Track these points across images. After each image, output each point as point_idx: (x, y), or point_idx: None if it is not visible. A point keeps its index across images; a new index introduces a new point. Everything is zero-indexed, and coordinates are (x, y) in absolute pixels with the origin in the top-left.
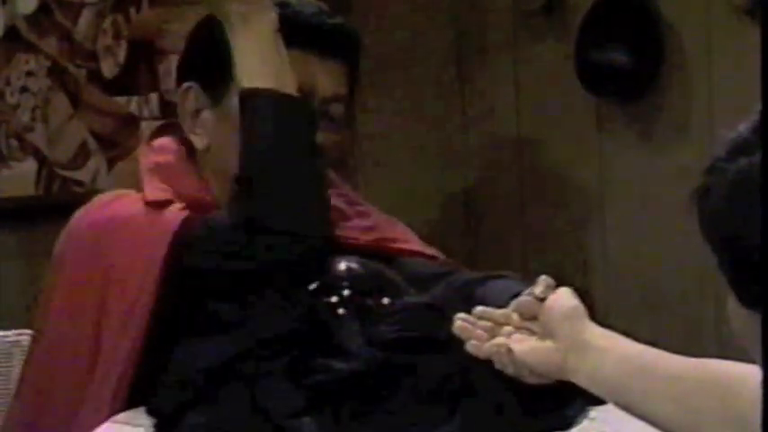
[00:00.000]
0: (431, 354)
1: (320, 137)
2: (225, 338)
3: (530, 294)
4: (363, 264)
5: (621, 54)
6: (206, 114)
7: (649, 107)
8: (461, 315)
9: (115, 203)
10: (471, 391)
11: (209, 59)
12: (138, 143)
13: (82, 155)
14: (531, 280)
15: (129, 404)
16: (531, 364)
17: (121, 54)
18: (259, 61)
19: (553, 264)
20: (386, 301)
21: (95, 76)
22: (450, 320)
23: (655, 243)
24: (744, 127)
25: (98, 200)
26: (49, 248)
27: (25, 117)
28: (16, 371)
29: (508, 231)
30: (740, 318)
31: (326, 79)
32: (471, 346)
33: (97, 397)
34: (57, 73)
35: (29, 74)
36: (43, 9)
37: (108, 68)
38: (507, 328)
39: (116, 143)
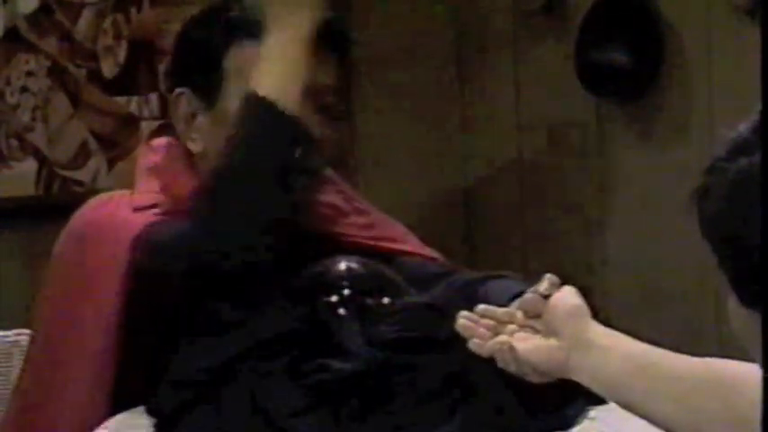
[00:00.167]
0: (431, 354)
1: (316, 131)
2: (225, 338)
3: (534, 292)
4: (364, 263)
5: (621, 54)
6: (200, 119)
7: (649, 107)
8: (464, 313)
9: (104, 205)
10: (471, 391)
11: (199, 64)
12: (138, 143)
13: (82, 155)
14: (531, 280)
15: (124, 406)
16: (533, 362)
17: (121, 54)
18: (273, 66)
19: (553, 264)
20: (386, 300)
21: (95, 76)
22: (450, 320)
23: (655, 243)
24: (744, 127)
25: (94, 200)
26: (48, 248)
27: (25, 117)
28: (16, 371)
29: (508, 231)
30: (740, 318)
31: (314, 72)
32: (474, 344)
33: (74, 400)
34: (57, 73)
35: (29, 74)
36: (43, 9)
37: (108, 68)
38: (510, 327)
39: (116, 143)
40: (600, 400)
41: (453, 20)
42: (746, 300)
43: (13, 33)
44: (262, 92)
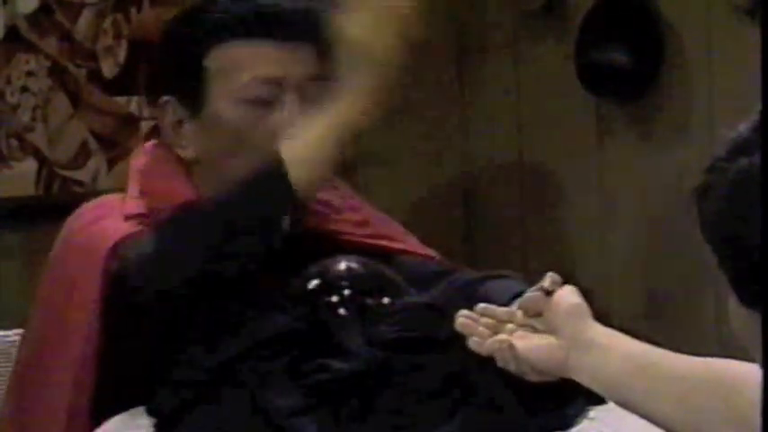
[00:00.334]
0: (431, 354)
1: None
2: (225, 338)
3: (538, 289)
4: (364, 263)
5: (621, 54)
6: (187, 126)
7: (649, 107)
8: (464, 312)
9: (92, 211)
10: (471, 391)
11: (181, 73)
12: (138, 143)
13: (82, 155)
14: (531, 280)
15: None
16: (533, 361)
17: (121, 54)
18: (318, 132)
19: (553, 264)
20: (386, 300)
21: (95, 76)
22: (450, 320)
23: (655, 243)
24: (744, 127)
25: (86, 205)
26: (48, 248)
27: (25, 117)
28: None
29: (508, 231)
30: (740, 318)
31: (295, 64)
32: (473, 343)
33: (55, 404)
34: (57, 73)
35: (29, 74)
36: (43, 9)
37: (108, 68)
38: (509, 326)
39: (116, 143)
40: (600, 400)
41: (453, 20)
42: (746, 300)
43: (13, 33)
44: (287, 155)
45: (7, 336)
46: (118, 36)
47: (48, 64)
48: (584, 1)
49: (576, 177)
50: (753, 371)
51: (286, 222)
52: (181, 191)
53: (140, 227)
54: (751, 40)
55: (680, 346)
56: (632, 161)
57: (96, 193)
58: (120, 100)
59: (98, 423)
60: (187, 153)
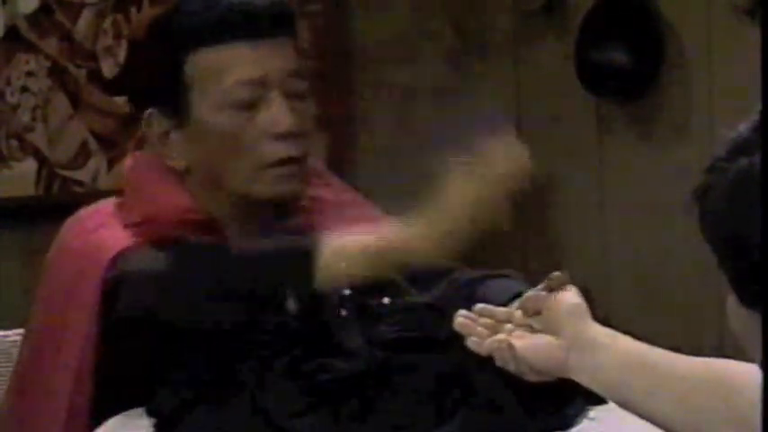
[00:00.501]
0: (431, 354)
1: (289, 120)
2: (225, 339)
3: (543, 288)
4: None
5: (621, 54)
6: (174, 136)
7: (649, 107)
8: (462, 312)
9: (91, 218)
10: (471, 391)
11: (160, 84)
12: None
13: (82, 155)
14: (531, 280)
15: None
16: (531, 361)
17: (121, 54)
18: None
19: (553, 264)
20: (386, 300)
21: (95, 76)
22: (450, 320)
23: (655, 243)
24: (744, 127)
25: (85, 211)
26: (48, 248)
27: (25, 117)
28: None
29: (508, 231)
30: (740, 318)
31: (274, 60)
32: (472, 343)
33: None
34: (57, 73)
35: (29, 74)
36: (43, 9)
37: (108, 68)
38: (508, 326)
39: (116, 143)
40: (600, 400)
41: (453, 20)
42: (746, 300)
43: (13, 33)
44: (332, 244)
45: (7, 336)
46: (118, 36)
47: (48, 64)
48: (584, 1)
49: (576, 177)
50: (752, 371)
51: (291, 303)
52: (176, 199)
53: (139, 237)
54: (751, 40)
55: (680, 346)
56: (632, 161)
57: (96, 193)
58: (120, 100)
59: (98, 423)
60: (178, 163)
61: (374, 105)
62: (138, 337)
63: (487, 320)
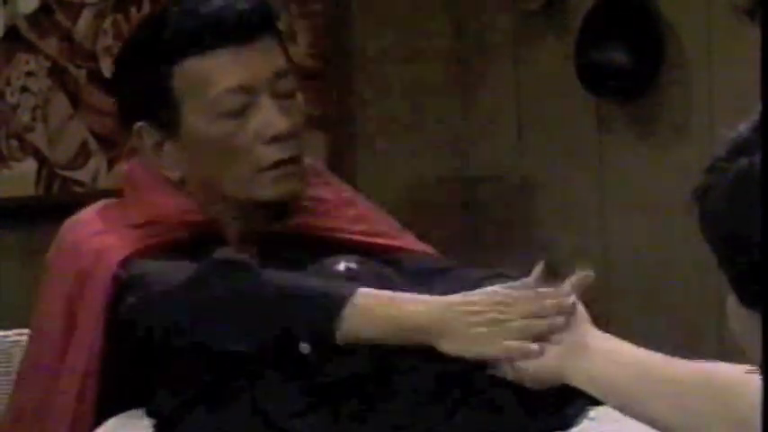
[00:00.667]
0: (431, 354)
1: (281, 122)
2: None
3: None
4: (363, 263)
5: (621, 54)
6: (168, 146)
7: (649, 107)
8: None
9: (95, 221)
10: (471, 391)
11: (148, 98)
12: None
13: (82, 155)
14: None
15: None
16: (531, 371)
17: None
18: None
19: (553, 264)
20: None
21: (95, 76)
22: None
23: (655, 243)
24: (744, 127)
25: (91, 211)
26: (48, 248)
27: (25, 117)
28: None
29: (508, 231)
30: (740, 318)
31: (260, 63)
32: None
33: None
34: (57, 73)
35: (29, 74)
36: (43, 9)
37: (108, 68)
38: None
39: (116, 143)
40: (600, 401)
41: (453, 20)
42: (746, 300)
43: (13, 33)
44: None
45: (7, 336)
46: (118, 36)
47: (48, 64)
48: (584, 1)
49: (576, 177)
50: (751, 375)
51: (304, 346)
52: (176, 201)
53: (142, 239)
54: (751, 40)
55: (680, 346)
56: (632, 161)
57: (96, 193)
58: None
59: (98, 423)
60: (173, 174)
61: (374, 105)
62: (140, 339)
63: None
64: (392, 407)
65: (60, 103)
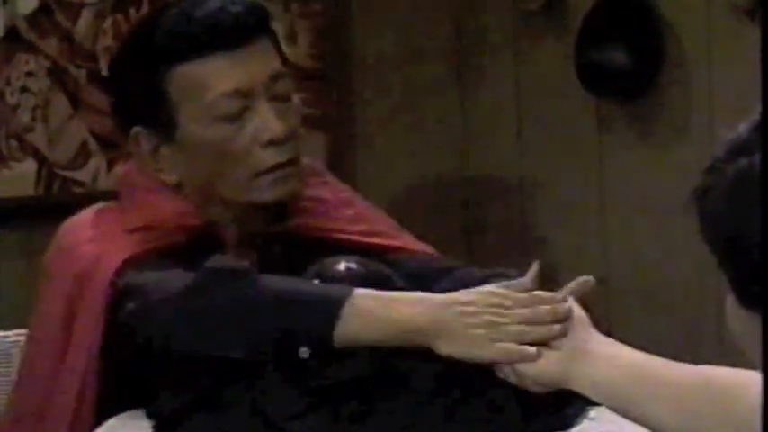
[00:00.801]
0: (430, 354)
1: (278, 126)
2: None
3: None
4: (363, 263)
5: (621, 54)
6: (164, 150)
7: (649, 107)
8: None
9: (93, 223)
10: (471, 391)
11: (144, 103)
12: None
13: (82, 155)
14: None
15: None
16: (532, 374)
17: None
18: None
19: (553, 264)
20: None
21: (95, 77)
22: None
23: (655, 243)
24: (744, 127)
25: (88, 214)
26: (48, 248)
27: (25, 117)
28: (16, 371)
29: (508, 231)
30: (739, 319)
31: (256, 66)
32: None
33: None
34: (57, 73)
35: (29, 74)
36: (43, 9)
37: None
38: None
39: (116, 143)
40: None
41: (453, 20)
42: (746, 300)
43: (13, 33)
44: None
45: (7, 336)
46: (118, 36)
47: (47, 64)
48: (584, 1)
49: (576, 177)
50: (751, 378)
51: (303, 351)
52: (174, 204)
53: (141, 242)
54: (751, 40)
55: (680, 347)
56: (632, 161)
57: (96, 194)
58: None
59: (98, 424)
60: (170, 178)
61: (374, 105)
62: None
63: None
64: (392, 407)
65: (60, 104)
